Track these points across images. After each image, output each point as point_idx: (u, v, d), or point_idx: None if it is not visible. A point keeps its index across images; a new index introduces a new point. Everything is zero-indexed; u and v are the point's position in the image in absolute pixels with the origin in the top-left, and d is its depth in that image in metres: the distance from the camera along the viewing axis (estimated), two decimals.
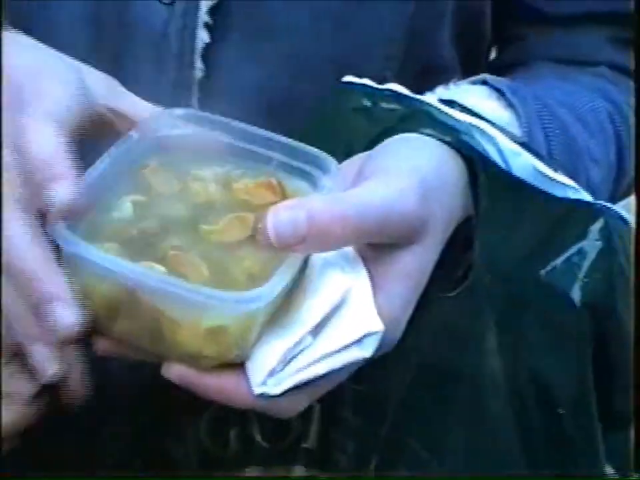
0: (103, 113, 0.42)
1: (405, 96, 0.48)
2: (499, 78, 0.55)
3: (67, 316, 0.36)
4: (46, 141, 0.38)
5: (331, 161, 0.41)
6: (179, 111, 0.44)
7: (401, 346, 0.39)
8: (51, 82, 0.41)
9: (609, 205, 0.44)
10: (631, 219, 0.43)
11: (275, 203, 0.37)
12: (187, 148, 0.43)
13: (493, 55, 0.68)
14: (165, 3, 0.54)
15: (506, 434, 0.42)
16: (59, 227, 0.36)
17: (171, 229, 0.39)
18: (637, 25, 0.54)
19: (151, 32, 0.55)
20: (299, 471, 0.45)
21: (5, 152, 0.38)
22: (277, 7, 0.55)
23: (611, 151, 0.59)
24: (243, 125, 0.43)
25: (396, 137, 0.44)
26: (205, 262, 0.37)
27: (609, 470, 0.44)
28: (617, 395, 0.43)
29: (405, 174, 0.39)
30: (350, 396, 0.43)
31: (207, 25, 0.54)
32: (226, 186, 0.42)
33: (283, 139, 0.43)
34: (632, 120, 0.57)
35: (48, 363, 0.38)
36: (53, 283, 0.36)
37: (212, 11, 0.54)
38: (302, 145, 0.42)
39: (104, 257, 0.35)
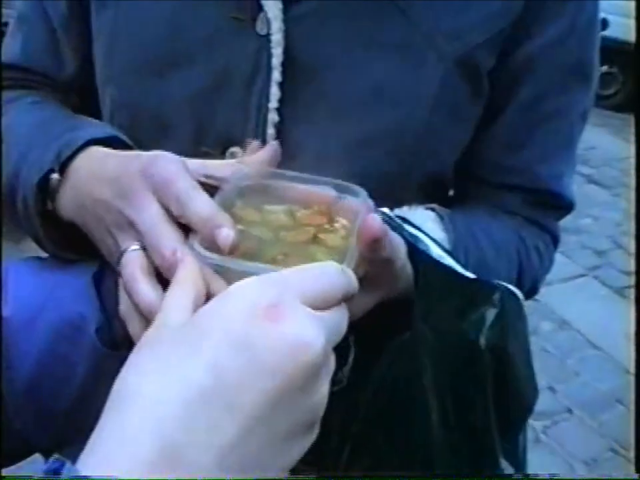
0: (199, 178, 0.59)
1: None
2: (443, 208, 0.77)
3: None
4: (204, 203, 0.55)
5: (360, 188, 0.60)
6: (247, 169, 0.62)
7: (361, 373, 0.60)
8: (169, 163, 0.58)
9: (503, 283, 0.66)
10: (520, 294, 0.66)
11: (325, 223, 0.58)
12: (259, 192, 0.61)
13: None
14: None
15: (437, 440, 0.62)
16: (198, 246, 0.52)
17: (266, 243, 0.56)
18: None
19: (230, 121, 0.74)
20: None
21: None
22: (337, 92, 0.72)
23: (513, 272, 0.82)
24: (295, 173, 0.61)
25: None
26: (300, 259, 0.53)
27: (504, 463, 0.63)
28: (510, 410, 0.64)
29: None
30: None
31: (275, 138, 0.72)
32: (291, 215, 0.59)
33: (324, 178, 0.60)
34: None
35: None
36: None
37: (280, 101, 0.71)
38: (337, 181, 0.60)
39: (239, 263, 0.51)
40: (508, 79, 0.79)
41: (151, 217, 0.56)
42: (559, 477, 2.16)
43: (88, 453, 0.37)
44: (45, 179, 0.67)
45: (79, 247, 0.70)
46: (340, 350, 0.68)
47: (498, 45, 0.75)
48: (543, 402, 3.11)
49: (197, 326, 0.42)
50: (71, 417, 0.45)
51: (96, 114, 0.82)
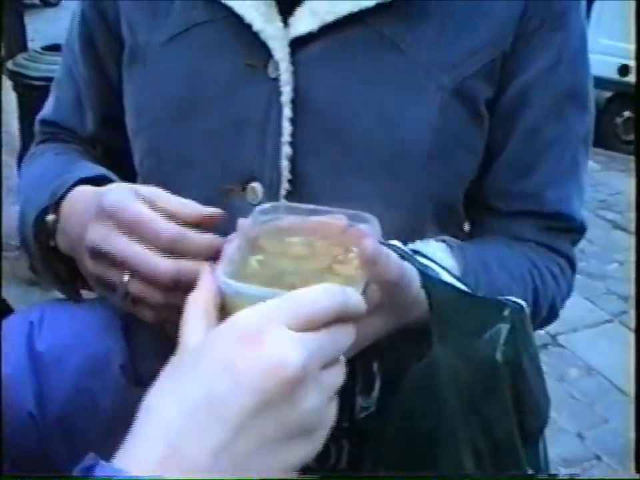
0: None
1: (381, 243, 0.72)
2: (453, 240, 0.82)
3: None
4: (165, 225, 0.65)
5: (371, 216, 0.66)
6: (270, 205, 0.68)
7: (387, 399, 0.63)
8: (120, 194, 0.67)
9: (511, 298, 0.70)
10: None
11: (341, 254, 0.62)
12: (281, 225, 0.67)
13: None
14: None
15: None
16: (220, 273, 0.58)
17: (285, 272, 0.61)
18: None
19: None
20: None
21: None
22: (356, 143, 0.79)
23: (529, 295, 0.86)
24: (312, 206, 0.67)
25: None
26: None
27: (530, 472, 0.65)
28: (529, 419, 0.67)
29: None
30: None
31: (290, 170, 0.79)
32: (309, 246, 0.64)
33: (338, 209, 0.66)
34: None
35: None
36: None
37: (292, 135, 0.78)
38: (350, 210, 0.66)
39: (254, 288, 0.56)
40: (507, 109, 0.85)
41: (123, 247, 0.66)
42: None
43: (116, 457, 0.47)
44: (42, 218, 0.77)
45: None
46: (366, 379, 0.71)
47: (492, 75, 0.82)
48: (571, 449, 3.08)
49: (198, 351, 0.51)
50: (98, 446, 0.49)
51: (120, 163, 0.91)
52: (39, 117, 1.03)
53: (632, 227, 5.51)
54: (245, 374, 0.48)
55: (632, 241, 5.31)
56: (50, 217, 0.77)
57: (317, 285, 0.54)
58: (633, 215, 5.65)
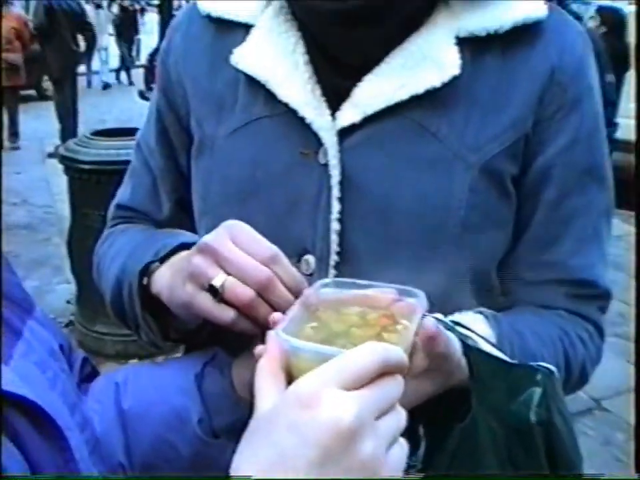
0: None
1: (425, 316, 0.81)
2: (488, 311, 0.91)
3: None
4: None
5: (419, 290, 0.74)
6: (331, 280, 0.78)
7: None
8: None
9: (543, 364, 0.79)
10: None
11: (390, 325, 0.70)
12: (337, 298, 0.75)
13: None
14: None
15: None
16: (282, 334, 0.65)
17: (337, 336, 0.68)
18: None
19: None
20: None
21: None
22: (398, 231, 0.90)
23: (560, 360, 0.93)
24: (366, 282, 0.75)
25: None
26: None
27: None
28: (560, 469, 0.76)
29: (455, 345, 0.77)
30: None
31: (339, 244, 0.90)
32: (362, 316, 0.72)
33: (390, 284, 0.75)
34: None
35: None
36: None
37: (340, 213, 0.90)
38: (400, 286, 0.74)
39: (311, 345, 0.64)
40: (531, 185, 0.95)
41: (233, 251, 0.78)
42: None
43: None
44: (146, 268, 0.91)
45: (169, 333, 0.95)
46: (413, 438, 0.80)
47: (516, 154, 0.92)
48: None
49: (268, 418, 0.59)
50: None
51: None
52: (115, 201, 1.15)
53: None
54: (308, 432, 0.55)
55: None
56: (155, 264, 0.91)
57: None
58: None
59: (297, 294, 0.77)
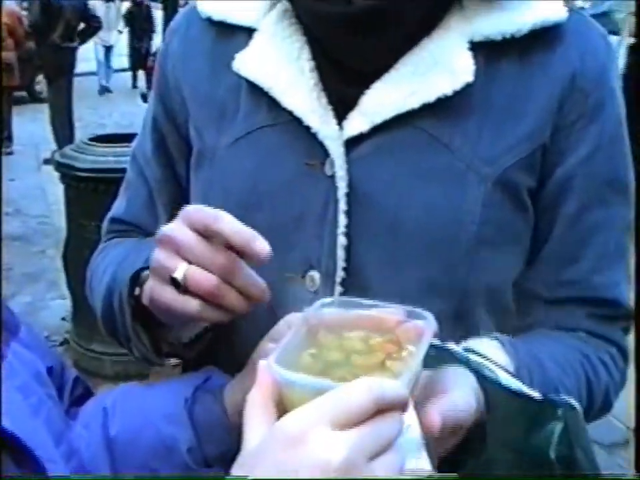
0: None
1: (437, 346, 0.75)
2: (504, 336, 0.85)
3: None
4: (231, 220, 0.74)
5: (427, 312, 0.68)
6: (330, 299, 0.72)
7: None
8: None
9: (564, 397, 0.74)
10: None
11: (394, 352, 0.65)
12: (339, 320, 0.70)
13: None
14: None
15: None
16: (275, 365, 0.60)
17: (337, 365, 0.64)
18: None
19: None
20: None
21: None
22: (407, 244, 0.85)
23: (582, 387, 0.87)
24: (371, 301, 0.70)
25: (448, 368, 0.73)
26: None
27: None
28: None
29: (467, 389, 0.70)
30: None
31: (345, 259, 0.86)
32: (365, 341, 0.67)
33: (397, 305, 0.69)
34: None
35: None
36: None
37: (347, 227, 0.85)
38: (409, 307, 0.69)
39: (309, 378, 0.59)
40: (550, 197, 0.89)
41: (190, 237, 0.74)
42: None
43: None
44: (137, 276, 0.86)
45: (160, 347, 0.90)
46: None
47: (533, 165, 0.87)
48: None
49: (255, 454, 0.56)
50: None
51: None
52: (109, 215, 1.09)
53: None
54: (296, 472, 0.52)
55: None
56: (145, 273, 0.85)
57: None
58: None
59: (243, 250, 0.73)
